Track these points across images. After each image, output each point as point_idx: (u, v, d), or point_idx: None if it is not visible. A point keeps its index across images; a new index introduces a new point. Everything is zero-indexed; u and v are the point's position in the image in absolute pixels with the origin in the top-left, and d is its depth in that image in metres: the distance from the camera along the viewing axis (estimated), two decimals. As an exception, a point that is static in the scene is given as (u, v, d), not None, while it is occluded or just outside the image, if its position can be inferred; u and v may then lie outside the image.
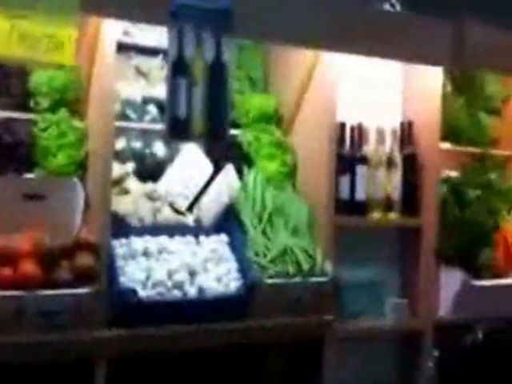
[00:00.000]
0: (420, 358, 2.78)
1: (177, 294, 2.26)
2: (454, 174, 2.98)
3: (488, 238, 2.82)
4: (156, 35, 2.61)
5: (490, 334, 2.84)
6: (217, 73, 2.23)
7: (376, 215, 2.71)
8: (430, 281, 2.77)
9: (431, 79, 2.82)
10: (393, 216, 2.75)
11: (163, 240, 2.38)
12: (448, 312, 2.71)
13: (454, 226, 2.78)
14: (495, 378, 2.82)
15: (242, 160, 2.66)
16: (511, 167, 3.23)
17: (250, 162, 2.67)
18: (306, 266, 2.46)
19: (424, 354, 2.77)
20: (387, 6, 2.88)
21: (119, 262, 2.25)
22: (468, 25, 2.71)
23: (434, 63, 2.75)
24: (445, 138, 2.94)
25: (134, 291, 2.17)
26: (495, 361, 2.81)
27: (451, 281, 2.70)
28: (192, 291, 2.28)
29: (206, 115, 2.21)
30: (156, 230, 2.40)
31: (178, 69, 2.18)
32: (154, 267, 2.28)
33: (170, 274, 2.27)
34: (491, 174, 3.00)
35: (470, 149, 3.12)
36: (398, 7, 2.96)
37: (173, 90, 2.17)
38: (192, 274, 2.32)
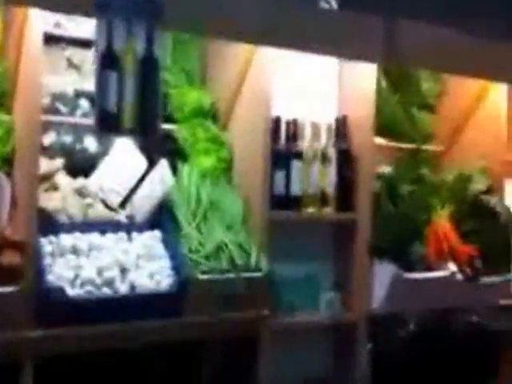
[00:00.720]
0: (354, 350, 2.82)
1: (107, 291, 2.21)
2: (388, 169, 3.02)
3: (420, 233, 2.87)
4: (89, 27, 2.54)
5: (421, 326, 2.90)
6: (148, 66, 2.19)
7: (311, 210, 2.73)
8: (364, 275, 2.80)
9: (366, 75, 2.85)
10: (327, 211, 2.77)
11: (94, 237, 2.33)
12: (381, 305, 2.75)
13: (387, 221, 2.82)
14: (427, 368, 2.88)
15: (177, 155, 2.63)
16: (444, 162, 3.31)
17: (184, 157, 2.64)
18: (240, 262, 2.45)
19: (358, 346, 2.81)
20: (322, 3, 2.90)
21: (47, 260, 2.20)
22: (400, 22, 2.76)
23: (367, 59, 2.78)
24: (379, 133, 2.98)
25: (61, 289, 2.12)
26: (427, 352, 2.87)
27: (384, 274, 2.74)
28: (123, 288, 2.24)
29: (137, 109, 2.17)
30: (87, 226, 2.35)
31: (108, 61, 2.14)
32: (84, 265, 2.23)
33: (99, 272, 2.23)
34: (423, 169, 3.06)
35: (405, 144, 3.18)
36: (333, 4, 2.98)
37: (102, 83, 2.13)
38: (123, 271, 2.28)
